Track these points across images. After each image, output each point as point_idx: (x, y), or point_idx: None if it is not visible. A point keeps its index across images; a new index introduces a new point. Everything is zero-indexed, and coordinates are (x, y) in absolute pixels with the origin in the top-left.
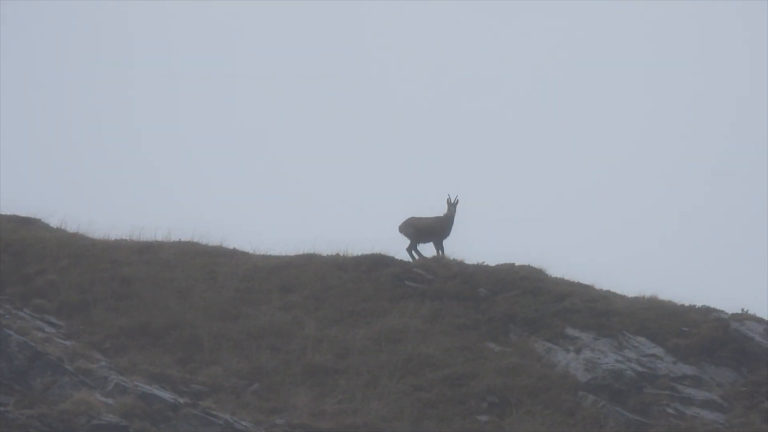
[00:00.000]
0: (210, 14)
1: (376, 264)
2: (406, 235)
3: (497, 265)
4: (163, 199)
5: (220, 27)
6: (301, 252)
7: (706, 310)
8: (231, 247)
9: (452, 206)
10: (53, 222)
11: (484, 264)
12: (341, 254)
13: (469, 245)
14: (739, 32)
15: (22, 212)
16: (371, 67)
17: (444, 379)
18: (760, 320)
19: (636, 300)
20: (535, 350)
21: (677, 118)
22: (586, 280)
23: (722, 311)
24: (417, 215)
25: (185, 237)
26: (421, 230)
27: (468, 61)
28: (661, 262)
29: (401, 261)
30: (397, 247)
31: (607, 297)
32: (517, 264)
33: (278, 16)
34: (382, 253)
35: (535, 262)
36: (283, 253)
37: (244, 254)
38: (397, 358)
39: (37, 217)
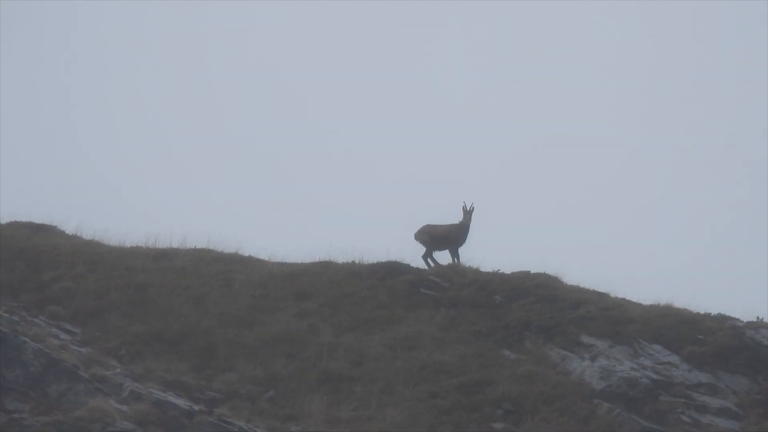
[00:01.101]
0: (223, 13)
1: (392, 271)
2: (422, 242)
3: (512, 273)
4: (178, 206)
5: (235, 29)
6: (316, 259)
7: (722, 318)
8: (246, 254)
9: (468, 214)
10: (68, 229)
11: (500, 271)
12: (356, 262)
13: (485, 253)
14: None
15: (38, 219)
16: (387, 71)
17: (459, 387)
18: None
19: (651, 308)
20: (551, 358)
21: (695, 124)
22: (601, 288)
23: (737, 319)
24: (432, 223)
25: (200, 244)
26: (437, 238)
27: (483, 66)
28: (677, 270)
29: (416, 268)
30: (413, 255)
31: (623, 305)
32: (532, 271)
33: (291, 15)
34: (398, 260)
35: (551, 269)
36: (299, 261)
37: (260, 261)
38: (412, 365)
39: (53, 224)
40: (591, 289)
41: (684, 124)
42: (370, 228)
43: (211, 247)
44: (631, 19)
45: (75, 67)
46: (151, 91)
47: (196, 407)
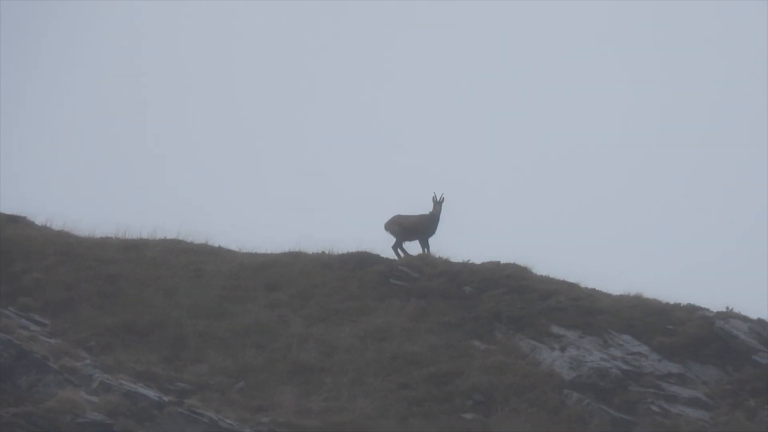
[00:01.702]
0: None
1: (362, 262)
2: (392, 233)
3: (483, 263)
4: (148, 197)
5: (208, 27)
6: (286, 250)
7: (691, 309)
8: (217, 245)
9: (438, 204)
10: (39, 220)
11: (470, 262)
12: (327, 252)
13: (455, 243)
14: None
15: (8, 210)
16: (357, 64)
17: (429, 377)
18: (745, 318)
19: (621, 298)
20: (521, 348)
21: (661, 115)
22: (571, 279)
23: (707, 309)
24: (403, 213)
25: (171, 235)
26: (407, 228)
27: (454, 58)
28: (647, 261)
29: (387, 259)
30: (383, 245)
31: (593, 295)
32: (502, 262)
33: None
34: (368, 251)
35: (521, 260)
36: (269, 251)
37: (230, 252)
38: (382, 356)
39: (23, 215)
40: (561, 279)
41: (650, 111)
42: (340, 218)
43: (181, 238)
44: (629, 18)
45: (43, 59)
46: (118, 81)
47: (166, 398)
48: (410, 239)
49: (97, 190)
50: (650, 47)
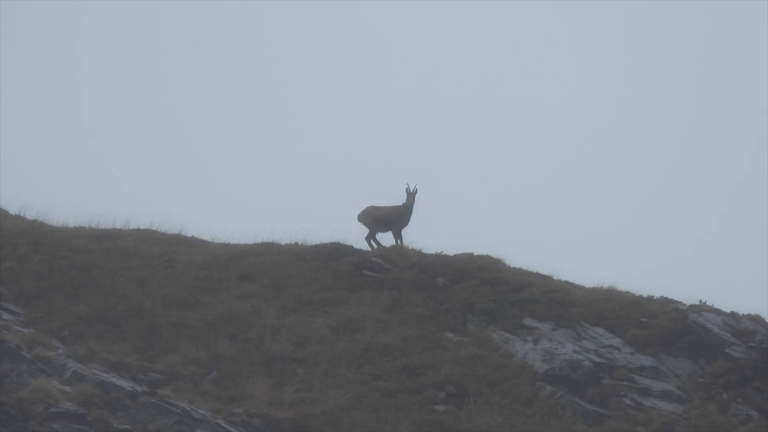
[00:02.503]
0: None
1: (335, 253)
2: (365, 224)
3: (456, 255)
4: (122, 187)
5: (180, 18)
6: (260, 241)
7: (664, 301)
8: (190, 235)
9: (411, 195)
10: (12, 209)
11: (443, 253)
12: (300, 243)
13: (428, 234)
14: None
15: None
16: (331, 54)
17: (402, 369)
18: (718, 311)
19: (594, 291)
20: (493, 340)
21: (633, 104)
22: (544, 271)
23: (680, 302)
24: (376, 204)
25: (144, 225)
26: (380, 219)
27: (427, 50)
28: (620, 253)
29: (360, 250)
30: (356, 237)
31: (566, 287)
32: (475, 254)
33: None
34: (341, 242)
35: (494, 252)
36: (242, 242)
37: (203, 243)
38: (355, 347)
39: None
40: (534, 271)
41: (622, 99)
42: (313, 209)
43: (154, 228)
44: (626, 17)
45: (11, 50)
46: (91, 72)
47: (138, 388)
48: (383, 230)
49: (71, 180)
50: (622, 43)
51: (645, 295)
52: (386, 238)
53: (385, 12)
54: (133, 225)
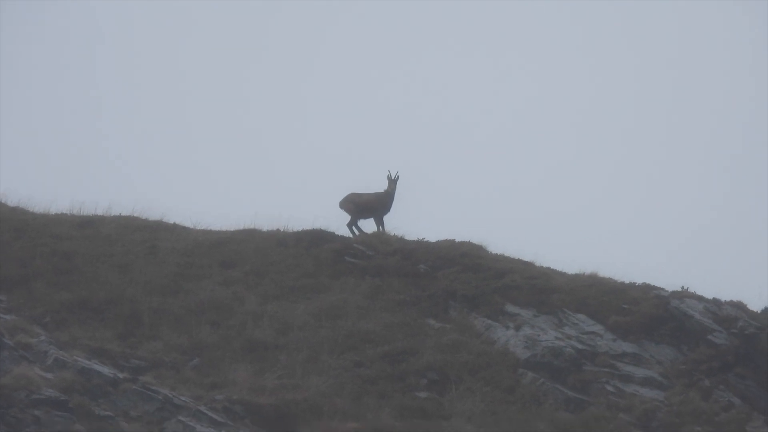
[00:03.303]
0: None
1: (317, 240)
2: (347, 210)
3: (438, 242)
4: (103, 174)
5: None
6: (241, 227)
7: (646, 288)
8: (171, 222)
9: (393, 182)
10: None
11: (425, 240)
12: (282, 230)
13: (410, 221)
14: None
15: None
16: (313, 42)
17: (384, 356)
18: (700, 298)
19: (576, 277)
20: (475, 327)
21: (614, 97)
22: (526, 257)
23: (662, 289)
24: (357, 191)
25: (126, 211)
26: (362, 206)
27: (411, 36)
28: (602, 240)
29: (342, 237)
30: (338, 223)
31: (548, 274)
32: (457, 240)
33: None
34: (323, 228)
35: (476, 238)
36: (224, 229)
37: (185, 229)
38: (337, 334)
39: None
40: (516, 258)
41: (603, 93)
42: (295, 195)
43: (136, 215)
44: (622, 14)
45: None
46: (71, 58)
47: (120, 375)
48: (365, 217)
49: (53, 167)
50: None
51: (627, 281)
52: (368, 225)
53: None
54: (115, 212)
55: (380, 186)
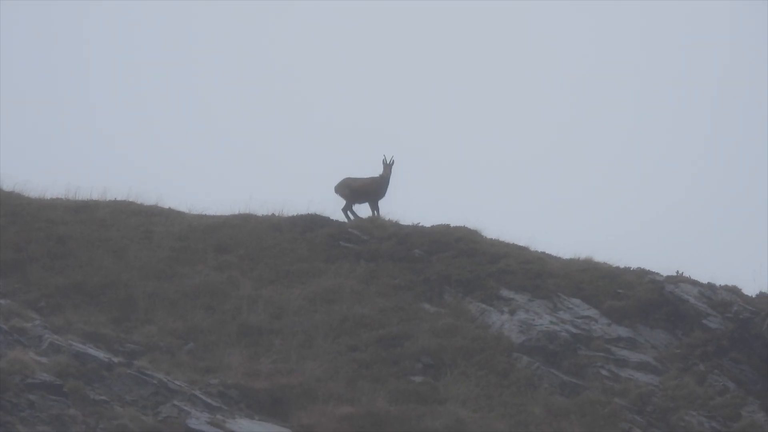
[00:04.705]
0: None
1: (312, 224)
2: (342, 195)
3: (433, 226)
4: (99, 158)
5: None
6: (236, 212)
7: (641, 272)
8: (166, 206)
9: (388, 167)
10: None
11: (420, 225)
12: (276, 214)
13: (405, 206)
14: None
15: None
16: (307, 26)
17: (379, 340)
18: (694, 282)
19: (571, 262)
20: (470, 311)
21: (612, 83)
22: (521, 242)
23: (657, 273)
24: (352, 176)
25: (121, 196)
26: (357, 191)
27: (412, 26)
28: (597, 224)
29: (336, 221)
30: (333, 208)
31: (542, 259)
32: (452, 225)
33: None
34: (318, 213)
35: (471, 223)
36: (219, 213)
37: (180, 214)
38: (332, 318)
39: None
40: (511, 242)
41: (595, 82)
42: (290, 180)
43: (131, 200)
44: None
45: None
46: (64, 43)
47: (115, 359)
48: (360, 202)
49: (48, 152)
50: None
51: (622, 266)
52: (363, 210)
53: None
54: (110, 196)
55: (375, 170)
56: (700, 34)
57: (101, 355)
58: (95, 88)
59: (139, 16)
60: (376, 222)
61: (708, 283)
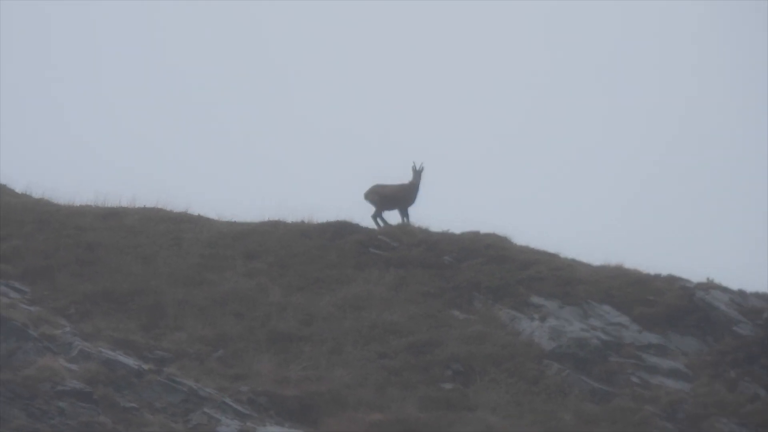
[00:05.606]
0: None
1: (341, 231)
2: (371, 202)
3: (462, 233)
4: (128, 166)
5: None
6: (265, 219)
7: (672, 279)
8: (195, 213)
9: (417, 173)
10: (18, 187)
11: (449, 232)
12: (306, 221)
13: (434, 213)
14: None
15: None
16: (333, 33)
17: (408, 347)
18: (725, 289)
19: (601, 268)
20: (500, 318)
21: (634, 88)
22: (551, 249)
23: (687, 280)
24: (382, 182)
25: (150, 203)
26: (386, 197)
27: (434, 33)
28: (627, 231)
29: (366, 228)
30: (362, 214)
31: (572, 265)
32: (482, 232)
33: None
34: (347, 220)
35: (501, 230)
36: (248, 220)
37: (209, 221)
38: (361, 325)
39: (2, 182)
40: (541, 249)
41: (623, 86)
42: (320, 187)
43: (160, 207)
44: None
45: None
46: (95, 50)
47: (145, 366)
48: (389, 208)
49: (77, 159)
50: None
51: (652, 272)
52: (392, 217)
53: None
54: (139, 203)
55: (405, 177)
56: (703, 33)
57: (131, 362)
58: (126, 98)
59: (165, 26)
60: (405, 229)
61: (738, 289)
